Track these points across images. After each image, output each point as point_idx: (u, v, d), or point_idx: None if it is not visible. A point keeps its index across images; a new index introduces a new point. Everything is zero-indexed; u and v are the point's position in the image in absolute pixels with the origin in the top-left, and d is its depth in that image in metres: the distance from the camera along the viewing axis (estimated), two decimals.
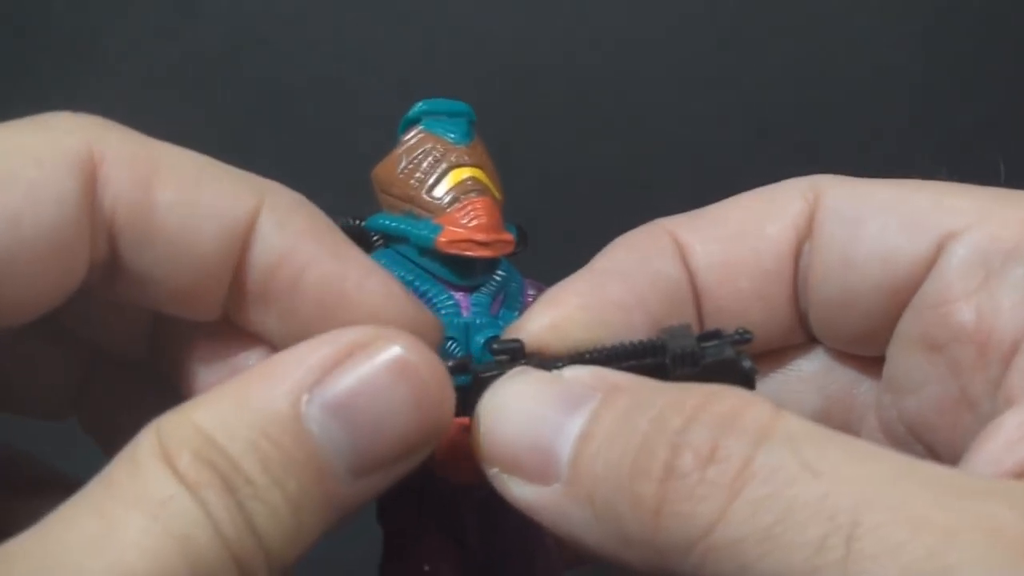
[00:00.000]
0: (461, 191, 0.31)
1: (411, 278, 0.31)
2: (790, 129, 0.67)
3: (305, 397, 0.23)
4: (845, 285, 0.30)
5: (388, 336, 0.24)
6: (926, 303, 0.28)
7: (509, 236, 0.31)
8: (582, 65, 0.67)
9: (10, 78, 0.65)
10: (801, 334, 0.32)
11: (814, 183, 0.31)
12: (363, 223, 0.33)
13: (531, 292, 0.33)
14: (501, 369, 0.26)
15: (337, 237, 0.28)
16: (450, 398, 0.25)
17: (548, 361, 0.27)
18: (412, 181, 0.31)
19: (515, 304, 0.32)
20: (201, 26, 0.66)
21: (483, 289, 0.32)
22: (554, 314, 0.28)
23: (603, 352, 0.27)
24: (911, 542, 0.19)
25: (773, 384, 0.33)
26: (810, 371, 0.33)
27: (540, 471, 0.24)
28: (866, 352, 0.31)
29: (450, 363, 0.26)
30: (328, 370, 0.24)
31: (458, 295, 0.31)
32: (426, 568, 0.31)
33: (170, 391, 0.30)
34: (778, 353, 0.33)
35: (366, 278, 0.27)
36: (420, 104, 0.32)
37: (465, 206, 0.30)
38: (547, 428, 0.24)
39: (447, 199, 0.31)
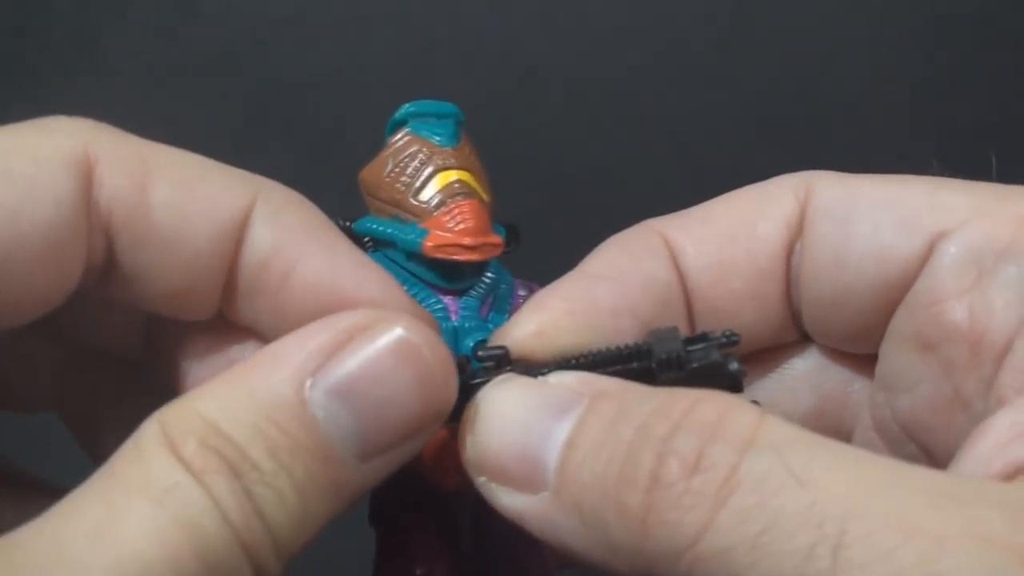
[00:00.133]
0: (448, 194, 0.31)
1: (399, 282, 0.31)
2: (789, 129, 0.67)
3: (308, 382, 0.23)
4: (837, 284, 0.29)
5: (389, 318, 0.24)
6: (919, 302, 0.28)
7: (497, 239, 0.31)
8: (579, 65, 0.67)
9: (10, 78, 0.65)
10: (794, 332, 0.32)
11: (805, 179, 0.30)
12: (352, 225, 0.33)
13: (522, 293, 0.33)
14: (487, 376, 0.26)
15: (332, 233, 0.28)
16: (453, 377, 0.25)
17: (534, 367, 0.26)
18: (399, 185, 0.31)
19: (505, 306, 0.32)
20: (201, 26, 0.66)
21: (472, 292, 0.31)
22: (540, 320, 0.28)
23: (589, 357, 0.26)
24: (900, 549, 0.19)
25: (767, 383, 0.33)
26: (804, 370, 0.32)
27: (527, 480, 0.24)
28: (859, 350, 0.31)
29: None
30: (330, 354, 0.23)
31: (447, 299, 0.31)
32: (419, 572, 0.31)
33: (156, 385, 0.30)
34: (772, 352, 0.32)
35: (361, 273, 0.27)
36: (407, 106, 0.32)
37: (452, 209, 0.30)
38: (533, 436, 0.24)
39: (434, 202, 0.31)
